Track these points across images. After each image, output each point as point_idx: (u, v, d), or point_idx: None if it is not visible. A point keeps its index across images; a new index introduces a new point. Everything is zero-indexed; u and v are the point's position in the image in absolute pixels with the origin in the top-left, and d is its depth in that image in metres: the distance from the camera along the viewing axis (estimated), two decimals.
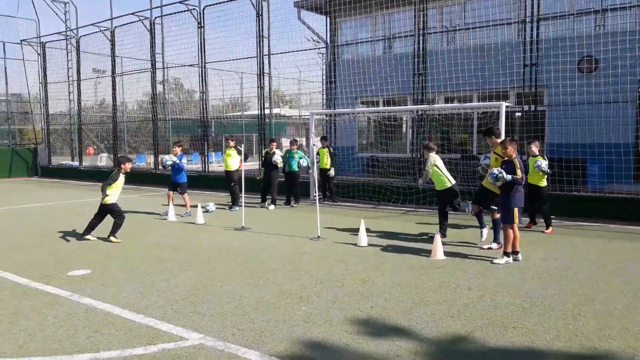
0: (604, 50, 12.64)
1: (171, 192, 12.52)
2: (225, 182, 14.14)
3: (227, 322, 5.23)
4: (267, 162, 13.88)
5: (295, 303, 5.81)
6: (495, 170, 7.51)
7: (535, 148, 9.94)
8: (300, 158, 13.96)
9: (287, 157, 13.98)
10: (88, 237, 9.59)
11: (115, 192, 9.60)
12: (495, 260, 7.55)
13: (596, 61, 13.52)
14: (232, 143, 13.83)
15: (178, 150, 12.39)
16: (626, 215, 10.93)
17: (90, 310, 5.65)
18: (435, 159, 9.27)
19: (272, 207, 13.63)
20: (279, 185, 14.07)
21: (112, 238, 9.44)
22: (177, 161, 12.21)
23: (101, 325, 5.19)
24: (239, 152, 13.74)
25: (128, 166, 9.79)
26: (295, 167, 13.94)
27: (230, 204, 13.60)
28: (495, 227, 8.46)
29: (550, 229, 9.94)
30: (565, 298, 5.89)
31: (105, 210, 9.62)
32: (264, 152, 14.51)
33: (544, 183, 9.86)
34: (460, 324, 5.13)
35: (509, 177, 7.38)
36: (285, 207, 13.79)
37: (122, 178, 9.65)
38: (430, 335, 4.84)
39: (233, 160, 13.62)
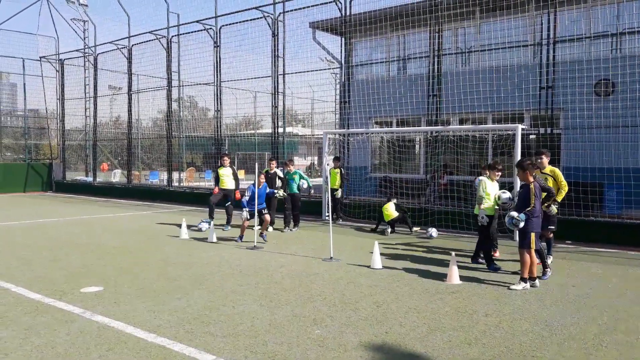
0: (621, 74, 12.56)
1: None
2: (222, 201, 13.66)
3: (239, 344, 5.16)
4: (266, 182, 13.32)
5: (308, 326, 5.72)
6: (514, 214, 7.42)
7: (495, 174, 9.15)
8: (301, 178, 13.30)
9: (287, 178, 13.40)
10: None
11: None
12: (513, 286, 7.41)
13: (613, 84, 13.42)
14: (227, 162, 13.56)
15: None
16: None
17: (102, 328, 5.60)
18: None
19: (270, 229, 12.98)
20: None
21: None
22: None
23: (113, 344, 5.14)
24: (234, 172, 13.56)
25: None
26: (295, 189, 13.23)
27: (225, 222, 13.36)
28: (547, 245, 8.61)
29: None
30: (585, 327, 5.74)
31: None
32: (263, 171, 13.55)
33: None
34: (477, 351, 5.01)
35: (523, 216, 7.35)
36: (292, 229, 13.45)
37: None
38: None
39: (229, 179, 13.43)
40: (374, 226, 13.28)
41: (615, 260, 9.66)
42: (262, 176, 11.59)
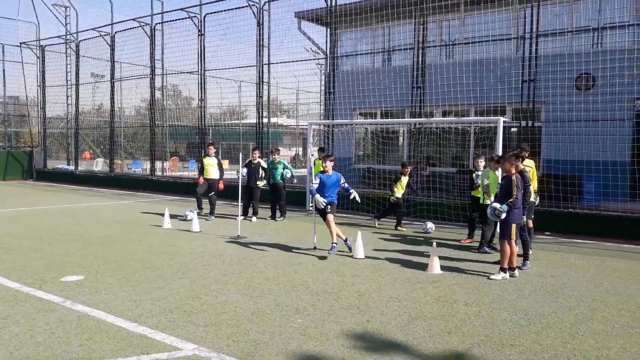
0: (601, 68, 12.74)
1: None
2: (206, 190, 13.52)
3: (221, 333, 5.17)
4: (249, 172, 13.22)
5: (290, 315, 5.76)
6: (497, 205, 7.51)
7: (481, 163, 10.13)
8: (285, 168, 13.25)
9: (270, 167, 13.29)
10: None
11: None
12: (492, 276, 7.52)
13: (593, 79, 13.61)
14: (212, 151, 13.49)
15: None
16: (622, 233, 10.93)
17: (83, 317, 5.57)
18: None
19: (254, 219, 13.07)
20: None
21: (399, 228, 11.97)
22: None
23: (94, 333, 5.12)
24: (219, 162, 13.51)
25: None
26: (278, 179, 13.18)
27: (208, 212, 13.27)
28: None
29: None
30: (562, 316, 5.86)
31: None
32: (246, 160, 13.43)
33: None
34: (457, 340, 5.09)
35: (505, 207, 7.45)
36: (278, 219, 13.43)
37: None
38: (427, 351, 4.80)
39: (214, 169, 13.37)
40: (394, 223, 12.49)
41: (593, 251, 9.85)
42: (329, 163, 9.32)
